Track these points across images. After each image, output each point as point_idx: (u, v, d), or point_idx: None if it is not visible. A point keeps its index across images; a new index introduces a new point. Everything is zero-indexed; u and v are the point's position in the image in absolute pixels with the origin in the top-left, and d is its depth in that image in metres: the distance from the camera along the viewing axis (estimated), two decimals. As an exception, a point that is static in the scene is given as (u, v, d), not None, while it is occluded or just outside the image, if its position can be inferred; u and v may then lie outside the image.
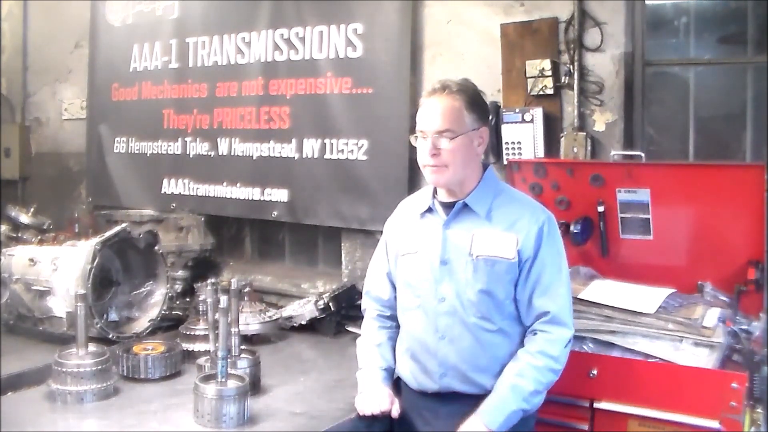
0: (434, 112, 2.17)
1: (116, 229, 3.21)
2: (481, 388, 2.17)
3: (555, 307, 2.15)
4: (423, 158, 2.19)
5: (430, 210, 2.29)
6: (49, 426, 2.33)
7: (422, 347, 2.24)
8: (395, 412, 2.24)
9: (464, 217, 2.22)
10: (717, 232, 2.73)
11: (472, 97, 2.20)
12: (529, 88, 3.38)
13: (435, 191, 2.30)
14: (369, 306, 2.48)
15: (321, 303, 3.48)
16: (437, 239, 2.23)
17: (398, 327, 2.39)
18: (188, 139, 4.56)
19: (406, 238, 2.33)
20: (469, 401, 2.15)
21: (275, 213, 4.21)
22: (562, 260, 2.22)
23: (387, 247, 2.43)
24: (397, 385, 2.36)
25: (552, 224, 2.22)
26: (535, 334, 2.16)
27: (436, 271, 2.22)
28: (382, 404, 2.23)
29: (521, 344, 2.19)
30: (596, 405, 2.39)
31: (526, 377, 2.10)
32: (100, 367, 2.55)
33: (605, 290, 2.70)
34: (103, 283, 3.24)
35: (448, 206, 2.25)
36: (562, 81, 3.35)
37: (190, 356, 2.90)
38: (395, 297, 2.39)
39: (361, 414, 2.25)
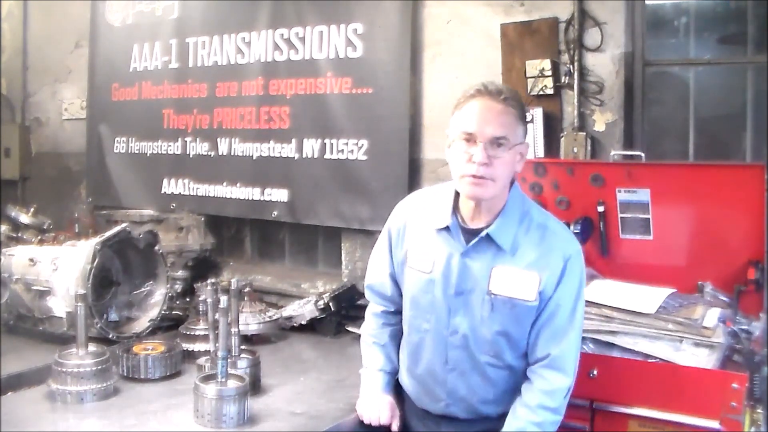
0: (490, 116, 1.94)
1: (116, 229, 3.21)
2: (482, 416, 2.10)
3: (557, 350, 2.00)
4: (466, 167, 1.94)
5: (448, 229, 2.06)
6: (49, 426, 2.33)
7: (429, 374, 2.12)
8: (395, 427, 2.17)
9: (484, 248, 2.02)
10: (717, 232, 2.72)
11: (522, 109, 2.02)
12: (529, 88, 3.38)
13: (455, 206, 2.08)
14: (372, 299, 2.35)
15: (321, 303, 3.48)
16: (454, 266, 2.04)
17: (402, 322, 2.28)
18: (188, 139, 4.56)
19: (417, 251, 2.12)
20: (473, 425, 2.10)
21: (275, 213, 4.21)
22: (579, 302, 2.03)
23: (392, 248, 2.24)
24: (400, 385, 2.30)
25: (577, 260, 2.03)
26: (531, 381, 2.03)
27: (450, 301, 2.05)
28: (383, 416, 2.17)
29: (525, 374, 2.07)
30: (596, 405, 2.39)
31: None
32: (100, 367, 2.55)
33: (605, 290, 2.69)
34: (103, 283, 3.24)
35: (468, 232, 2.05)
36: (562, 81, 3.35)
37: (190, 356, 2.90)
38: (399, 294, 2.25)
39: (361, 419, 2.21)
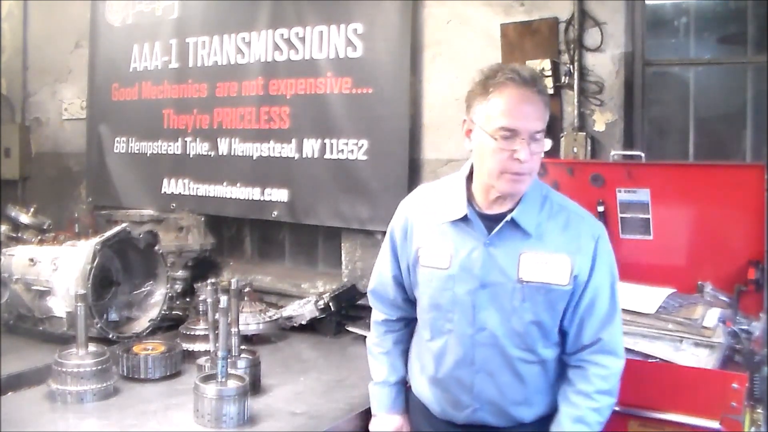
0: (530, 109, 1.83)
1: (116, 229, 3.21)
2: (515, 421, 2.00)
3: (607, 334, 1.93)
4: (508, 164, 1.83)
5: (465, 219, 1.95)
6: (49, 426, 2.33)
7: (453, 379, 2.00)
8: None
9: (509, 234, 1.91)
10: (717, 232, 2.72)
11: (547, 93, 1.93)
12: (529, 88, 3.38)
13: (470, 194, 1.98)
14: (373, 304, 2.27)
15: (321, 303, 3.48)
16: (477, 258, 1.92)
17: (406, 327, 2.22)
18: (188, 139, 4.56)
19: (430, 247, 2.01)
20: None
21: (275, 213, 4.21)
22: (616, 280, 1.98)
23: (397, 250, 2.13)
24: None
25: (606, 239, 1.97)
26: (584, 368, 1.94)
27: (474, 296, 1.93)
28: None
29: (557, 369, 2.01)
30: (596, 405, 2.39)
31: (588, 423, 1.92)
32: (100, 367, 2.55)
33: (605, 290, 2.69)
34: (103, 283, 3.24)
35: (487, 218, 1.94)
36: (562, 81, 3.35)
37: (190, 356, 2.90)
38: (403, 299, 2.17)
39: None
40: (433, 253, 2.00)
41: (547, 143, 1.88)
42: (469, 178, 2.01)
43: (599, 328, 1.93)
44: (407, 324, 2.22)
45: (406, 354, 2.22)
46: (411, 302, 2.16)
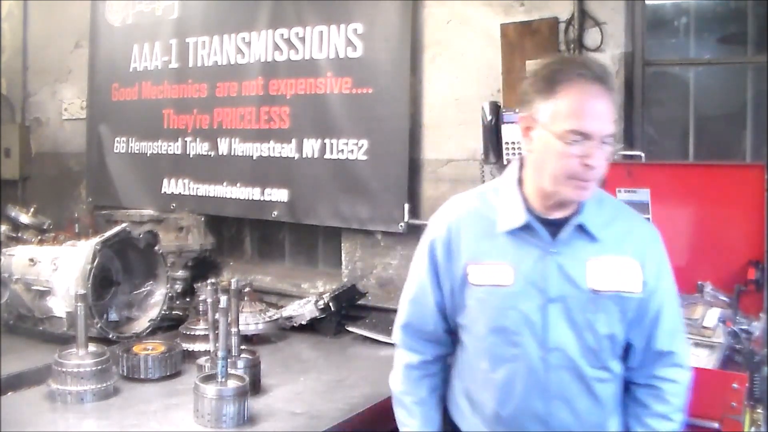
0: (604, 110, 1.65)
1: (116, 229, 3.21)
2: None
3: (678, 346, 1.78)
4: (577, 169, 1.64)
5: (525, 227, 1.74)
6: (49, 426, 2.33)
7: (524, 412, 1.75)
8: None
9: (575, 240, 1.73)
10: (717, 232, 2.72)
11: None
12: (529, 88, 3.38)
13: (525, 199, 1.77)
14: (405, 343, 1.93)
15: (321, 303, 3.48)
16: (543, 269, 1.72)
17: (444, 368, 1.94)
18: (188, 139, 4.56)
19: (484, 262, 1.76)
20: None
21: (275, 213, 4.21)
22: (675, 286, 1.82)
23: (439, 271, 1.84)
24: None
25: (661, 240, 1.82)
26: (657, 387, 1.77)
27: (544, 312, 1.71)
28: None
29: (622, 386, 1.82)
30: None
31: None
32: (100, 367, 2.55)
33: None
34: (103, 283, 3.24)
35: (548, 224, 1.74)
36: (563, 81, 3.35)
37: (190, 356, 2.90)
38: (445, 330, 1.89)
39: None
40: (489, 269, 1.76)
41: (616, 146, 1.77)
42: (519, 180, 1.82)
43: (669, 340, 1.77)
44: (445, 363, 1.94)
45: (442, 401, 1.94)
46: (451, 334, 1.90)
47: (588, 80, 1.64)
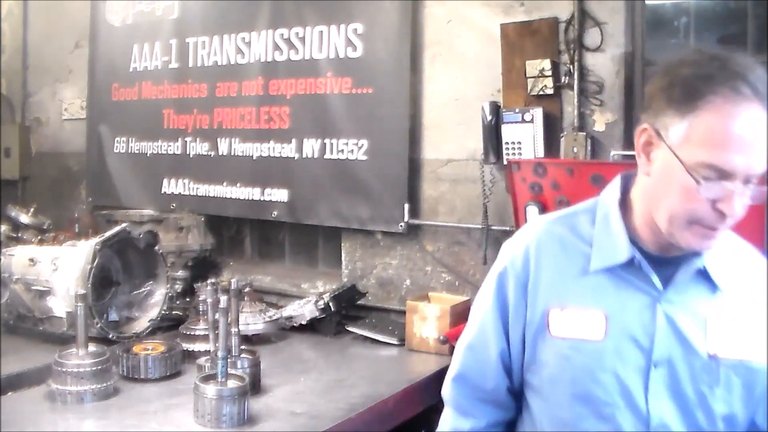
0: (755, 139, 1.22)
1: (116, 229, 3.21)
2: None
3: None
4: (706, 214, 1.26)
5: (628, 264, 1.37)
6: (49, 426, 2.33)
7: None
8: None
9: (692, 286, 1.37)
10: (717, 232, 2.72)
11: None
12: (529, 88, 3.38)
13: (630, 228, 1.40)
14: (455, 402, 1.56)
15: (321, 303, 3.48)
16: (646, 321, 1.35)
17: None
18: (188, 139, 4.56)
19: (570, 307, 1.38)
20: None
21: (275, 213, 4.21)
22: None
23: (509, 312, 1.46)
24: None
25: None
26: None
27: (646, 378, 1.34)
28: None
29: None
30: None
31: None
32: (100, 367, 2.55)
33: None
34: (103, 283, 3.24)
35: (659, 262, 1.37)
36: (562, 81, 3.35)
37: (190, 356, 2.90)
38: (506, 388, 1.50)
39: None
40: (577, 317, 1.37)
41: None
42: (622, 203, 1.45)
43: None
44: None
45: None
46: (515, 395, 1.52)
47: (746, 98, 1.21)
